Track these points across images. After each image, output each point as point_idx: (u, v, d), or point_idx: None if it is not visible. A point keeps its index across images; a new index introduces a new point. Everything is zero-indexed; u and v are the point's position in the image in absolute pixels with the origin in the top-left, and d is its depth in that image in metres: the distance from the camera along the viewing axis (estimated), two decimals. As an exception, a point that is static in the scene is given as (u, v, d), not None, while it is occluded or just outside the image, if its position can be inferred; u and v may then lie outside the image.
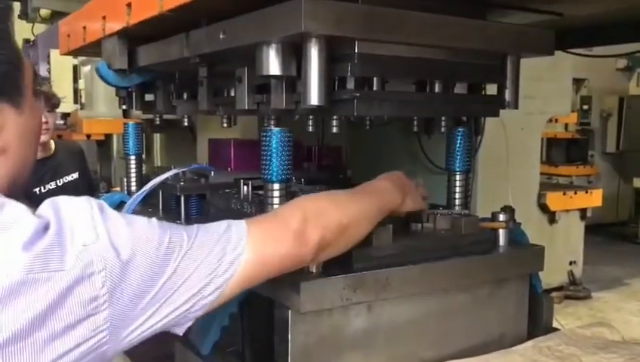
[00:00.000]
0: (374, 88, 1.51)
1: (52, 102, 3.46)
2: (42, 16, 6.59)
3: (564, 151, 9.61)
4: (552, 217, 6.10)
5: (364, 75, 1.48)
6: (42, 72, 5.71)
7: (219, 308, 1.39)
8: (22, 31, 7.05)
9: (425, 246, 1.59)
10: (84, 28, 2.37)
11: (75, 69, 5.23)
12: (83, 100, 5.15)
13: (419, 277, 1.52)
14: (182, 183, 2.14)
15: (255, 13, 1.44)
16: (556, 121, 8.13)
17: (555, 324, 1.91)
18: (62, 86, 4.99)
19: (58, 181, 3.54)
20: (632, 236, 9.45)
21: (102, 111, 4.81)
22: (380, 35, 1.41)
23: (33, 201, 3.20)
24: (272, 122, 1.85)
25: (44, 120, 3.34)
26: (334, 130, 1.59)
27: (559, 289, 6.42)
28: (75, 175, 3.62)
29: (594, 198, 6.61)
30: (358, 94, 1.45)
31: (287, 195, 1.57)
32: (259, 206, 1.84)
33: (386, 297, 1.47)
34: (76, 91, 5.30)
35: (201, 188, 2.17)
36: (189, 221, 2.09)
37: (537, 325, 1.83)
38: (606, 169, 9.98)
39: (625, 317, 6.16)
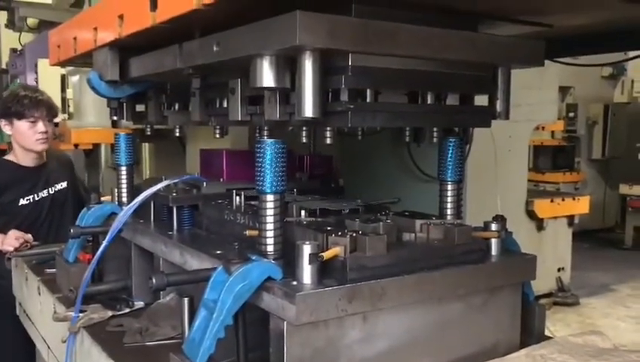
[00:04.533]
0: (368, 100, 1.52)
1: (52, 112, 3.46)
2: (30, 26, 6.54)
3: (551, 158, 9.69)
4: (540, 224, 6.15)
5: (357, 87, 1.49)
6: (30, 81, 5.67)
7: (214, 319, 1.40)
8: (9, 40, 7.00)
9: (419, 256, 1.59)
10: (75, 38, 2.37)
11: (63, 78, 5.19)
12: (71, 110, 5.12)
13: (414, 287, 1.53)
14: (174, 194, 2.13)
15: (249, 25, 1.44)
16: (543, 128, 8.20)
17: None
18: (50, 95, 4.96)
19: (50, 189, 3.52)
20: (619, 242, 9.55)
21: (90, 121, 4.76)
22: (373, 47, 1.42)
23: (26, 209, 3.20)
24: (266, 133, 1.85)
25: (44, 129, 3.36)
26: (328, 141, 1.60)
27: (548, 295, 6.47)
28: (65, 184, 3.61)
29: (581, 205, 6.68)
30: (352, 106, 1.46)
31: (282, 206, 1.57)
32: (252, 216, 1.84)
33: (381, 307, 1.48)
34: (64, 101, 5.26)
35: (194, 198, 2.16)
36: (181, 232, 2.09)
37: (530, 333, 1.84)
38: (592, 175, 10.09)
39: (613, 323, 6.22)
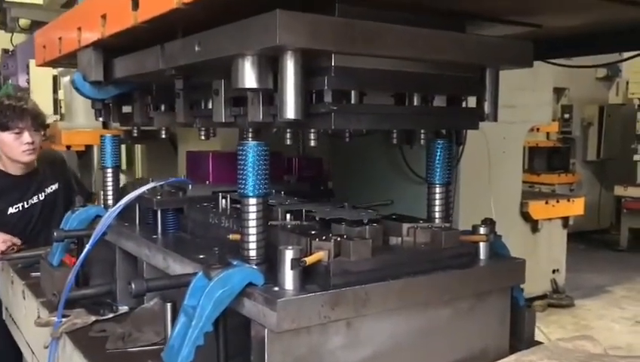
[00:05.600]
0: (352, 101, 1.49)
1: (38, 121, 3.36)
2: (21, 26, 6.50)
3: (546, 159, 9.68)
4: (534, 226, 6.13)
5: (341, 88, 1.46)
6: (21, 82, 5.63)
7: (193, 326, 1.37)
8: (1, 41, 6.95)
9: (405, 261, 1.56)
10: (60, 39, 2.33)
11: (55, 79, 5.16)
12: (63, 111, 5.08)
13: (399, 293, 1.49)
14: (158, 197, 2.09)
15: (230, 25, 1.41)
16: (538, 130, 8.18)
17: (538, 333, 1.90)
18: (41, 96, 4.91)
19: (40, 195, 3.47)
20: (614, 243, 9.53)
21: (82, 122, 4.72)
22: (357, 48, 1.39)
23: (15, 217, 3.16)
24: (250, 135, 1.82)
25: (30, 140, 3.24)
26: (312, 143, 1.57)
27: (542, 297, 6.45)
28: (55, 186, 3.55)
29: (576, 206, 6.66)
30: (335, 108, 1.43)
31: (265, 210, 1.53)
32: (237, 220, 1.81)
33: (365, 313, 1.44)
34: (56, 102, 5.23)
35: (179, 202, 2.12)
36: (165, 236, 2.05)
37: (519, 338, 1.82)
38: (587, 177, 10.08)
39: (607, 325, 6.20)
